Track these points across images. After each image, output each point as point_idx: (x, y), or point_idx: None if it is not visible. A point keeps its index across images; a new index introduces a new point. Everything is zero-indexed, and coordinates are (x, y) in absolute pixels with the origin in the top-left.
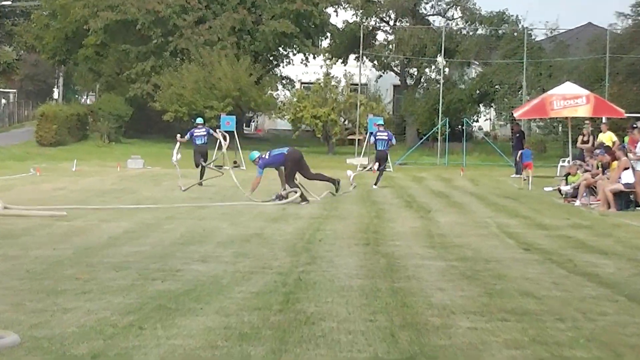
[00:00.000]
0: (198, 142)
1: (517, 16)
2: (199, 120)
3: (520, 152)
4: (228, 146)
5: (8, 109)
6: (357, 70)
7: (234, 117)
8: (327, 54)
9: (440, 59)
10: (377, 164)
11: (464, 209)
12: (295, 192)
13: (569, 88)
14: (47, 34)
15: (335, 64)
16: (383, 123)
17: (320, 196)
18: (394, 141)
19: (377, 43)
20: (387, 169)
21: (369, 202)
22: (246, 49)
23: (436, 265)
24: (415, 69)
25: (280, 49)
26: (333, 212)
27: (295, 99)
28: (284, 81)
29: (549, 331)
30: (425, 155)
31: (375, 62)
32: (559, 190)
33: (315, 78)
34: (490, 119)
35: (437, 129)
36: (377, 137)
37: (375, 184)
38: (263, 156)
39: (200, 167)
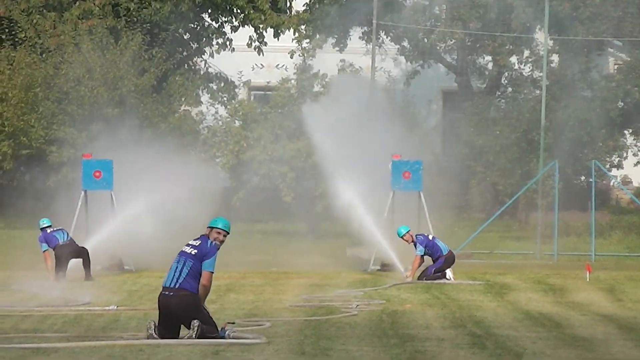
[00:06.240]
0: (60, 239)
1: None
2: (45, 221)
3: None
4: None
5: None
6: (368, 60)
7: (110, 162)
8: (303, 28)
9: (542, 36)
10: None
11: (595, 352)
12: None
13: None
14: None
15: (320, 47)
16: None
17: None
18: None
19: (408, 3)
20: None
21: (394, 338)
22: (133, 18)
23: None
24: (489, 58)
25: (205, 16)
26: None
27: (237, 122)
28: (212, 84)
29: None
30: (512, 237)
31: (406, 42)
32: None
33: (279, 78)
34: None
35: (536, 181)
36: (435, 241)
37: None
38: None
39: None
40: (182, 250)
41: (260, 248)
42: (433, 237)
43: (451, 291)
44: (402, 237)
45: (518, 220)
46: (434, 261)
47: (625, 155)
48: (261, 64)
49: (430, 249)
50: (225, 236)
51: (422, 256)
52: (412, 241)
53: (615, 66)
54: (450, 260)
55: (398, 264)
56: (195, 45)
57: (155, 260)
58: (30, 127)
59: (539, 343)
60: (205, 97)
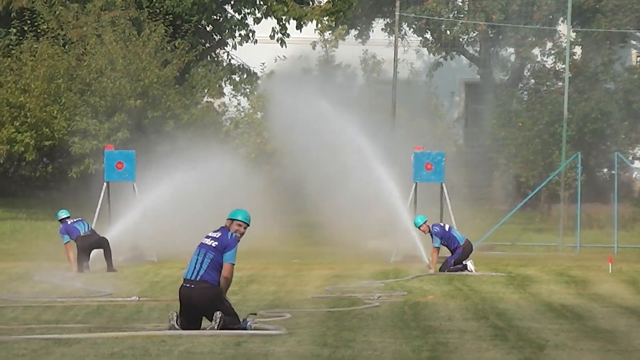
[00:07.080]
0: (81, 230)
1: None
2: (63, 213)
3: None
4: None
5: None
6: (390, 51)
7: (133, 153)
8: (325, 19)
9: (564, 28)
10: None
11: (618, 344)
12: None
13: None
14: None
15: (342, 38)
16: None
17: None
18: None
19: None
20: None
21: (416, 329)
22: (155, 9)
23: None
24: (511, 50)
25: (228, 8)
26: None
27: (259, 114)
28: (235, 76)
29: None
30: (534, 229)
31: (428, 34)
32: None
33: (301, 69)
34: None
35: (558, 173)
36: (451, 232)
37: None
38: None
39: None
40: (202, 242)
41: (282, 239)
42: (449, 228)
43: (473, 283)
44: (419, 228)
45: (540, 212)
46: (452, 252)
47: None
48: (284, 56)
49: (447, 240)
50: (245, 228)
51: (438, 247)
52: (429, 232)
53: (638, 58)
54: (468, 251)
55: (425, 256)
56: (217, 37)
57: (177, 251)
58: (53, 118)
59: (561, 335)
60: (227, 89)
